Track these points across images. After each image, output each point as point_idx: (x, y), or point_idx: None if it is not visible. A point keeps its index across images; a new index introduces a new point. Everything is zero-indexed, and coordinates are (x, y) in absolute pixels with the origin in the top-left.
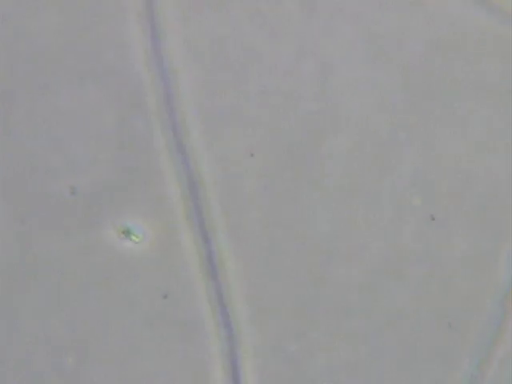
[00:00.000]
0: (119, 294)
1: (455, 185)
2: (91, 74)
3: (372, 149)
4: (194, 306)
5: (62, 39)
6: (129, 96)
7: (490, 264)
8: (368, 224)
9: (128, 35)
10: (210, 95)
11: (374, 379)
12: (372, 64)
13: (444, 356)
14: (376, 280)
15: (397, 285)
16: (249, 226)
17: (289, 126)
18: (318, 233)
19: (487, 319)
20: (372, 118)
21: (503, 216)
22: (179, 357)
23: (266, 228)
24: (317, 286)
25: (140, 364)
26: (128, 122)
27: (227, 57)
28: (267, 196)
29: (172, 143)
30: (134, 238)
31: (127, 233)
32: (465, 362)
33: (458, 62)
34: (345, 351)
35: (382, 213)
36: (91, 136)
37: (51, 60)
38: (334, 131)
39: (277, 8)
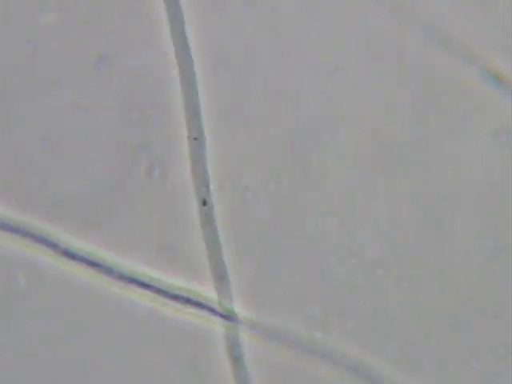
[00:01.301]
0: (120, 294)
1: (455, 184)
2: (91, 74)
3: (372, 149)
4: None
5: (62, 39)
6: (129, 96)
7: (490, 264)
8: (368, 224)
9: (128, 35)
10: (209, 95)
11: (374, 379)
12: (372, 64)
13: (445, 357)
14: (376, 280)
15: (397, 285)
16: (248, 225)
17: (289, 126)
18: (318, 233)
19: (488, 320)
20: (372, 118)
21: (503, 216)
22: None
23: (266, 228)
24: (316, 285)
25: (141, 363)
26: (128, 122)
27: (227, 57)
28: (267, 196)
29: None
30: None
31: None
32: (468, 364)
33: (459, 61)
34: (344, 352)
35: (382, 213)
36: (91, 136)
37: (51, 60)
38: (335, 131)
39: (277, 8)
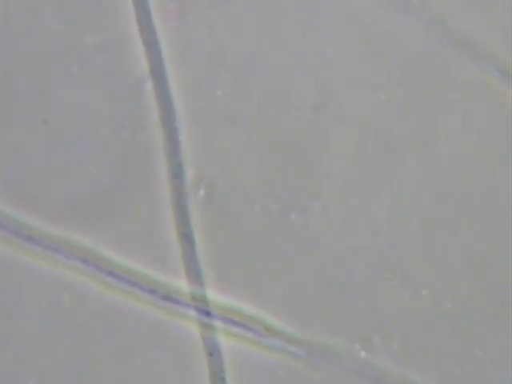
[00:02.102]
0: (119, 293)
1: (455, 184)
2: (91, 74)
3: (372, 149)
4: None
5: (62, 39)
6: (129, 96)
7: (490, 264)
8: (368, 224)
9: (128, 35)
10: (209, 95)
11: (374, 379)
12: (372, 63)
13: (446, 359)
14: (376, 280)
15: (396, 284)
16: (248, 226)
17: (289, 126)
18: (318, 233)
19: (488, 320)
20: (372, 118)
21: (503, 216)
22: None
23: (266, 228)
24: (316, 285)
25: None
26: (128, 122)
27: (227, 57)
28: (267, 196)
29: (172, 143)
30: None
31: None
32: (467, 365)
33: (459, 61)
34: (344, 352)
35: (382, 213)
36: (91, 136)
37: (51, 60)
38: (334, 131)
39: (276, 8)
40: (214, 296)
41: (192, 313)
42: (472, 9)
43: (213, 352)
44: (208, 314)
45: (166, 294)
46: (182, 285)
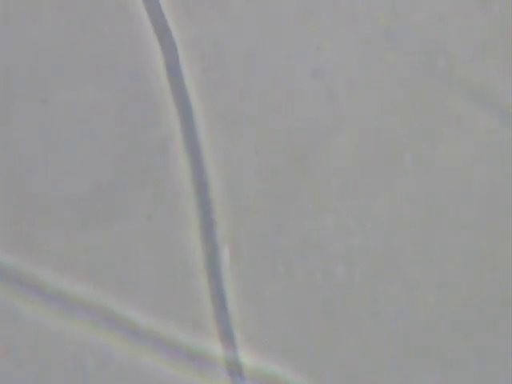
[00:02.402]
0: (122, 283)
1: (455, 184)
2: (91, 74)
3: (372, 149)
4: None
5: (62, 39)
6: (129, 97)
7: (490, 264)
8: (367, 224)
9: (128, 35)
10: (210, 95)
11: (373, 380)
12: (372, 64)
13: (447, 359)
14: (375, 280)
15: (397, 285)
16: (248, 226)
17: (288, 126)
18: (318, 233)
19: (487, 321)
20: (372, 118)
21: (503, 216)
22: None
23: (266, 228)
24: (316, 286)
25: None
26: (128, 122)
27: (227, 57)
28: (267, 196)
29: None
30: None
31: None
32: (467, 365)
33: (459, 61)
34: (344, 352)
35: (382, 213)
36: (91, 136)
37: (51, 60)
38: (335, 131)
39: (276, 8)
40: (246, 358)
41: (223, 374)
42: (471, 9)
43: None
44: (240, 375)
45: (194, 355)
46: (215, 346)
